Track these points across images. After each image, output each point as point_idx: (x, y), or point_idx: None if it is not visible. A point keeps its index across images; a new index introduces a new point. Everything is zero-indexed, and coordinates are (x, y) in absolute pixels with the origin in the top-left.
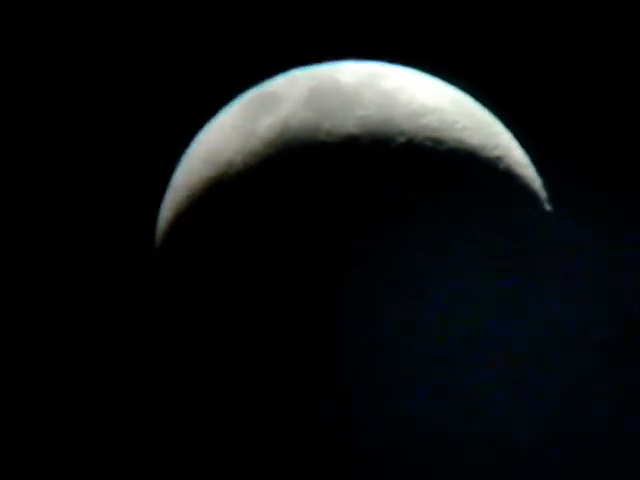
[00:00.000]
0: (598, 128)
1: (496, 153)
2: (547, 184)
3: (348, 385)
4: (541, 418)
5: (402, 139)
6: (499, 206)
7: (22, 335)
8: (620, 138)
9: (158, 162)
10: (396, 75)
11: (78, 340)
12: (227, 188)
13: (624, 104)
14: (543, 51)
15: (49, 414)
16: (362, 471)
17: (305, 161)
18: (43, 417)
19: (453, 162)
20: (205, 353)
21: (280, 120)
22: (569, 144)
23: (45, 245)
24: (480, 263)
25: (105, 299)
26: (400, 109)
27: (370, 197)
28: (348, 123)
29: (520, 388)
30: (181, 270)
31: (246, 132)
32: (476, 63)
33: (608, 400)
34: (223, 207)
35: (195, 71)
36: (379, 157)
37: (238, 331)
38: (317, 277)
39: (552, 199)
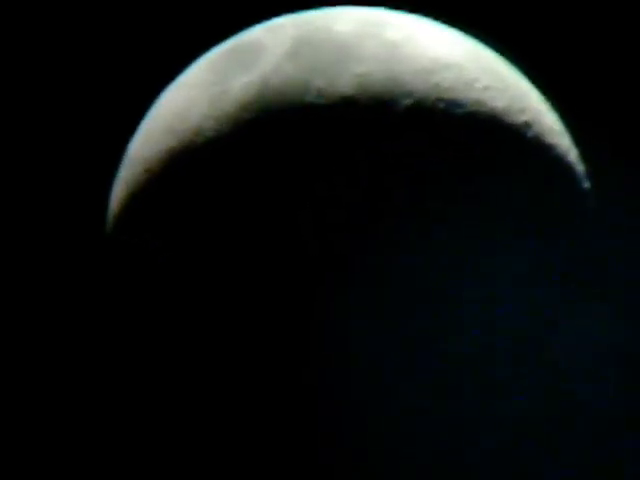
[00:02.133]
0: None
1: (524, 118)
2: (584, 156)
3: (365, 401)
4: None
5: (409, 101)
6: (527, 183)
7: None
8: None
9: (109, 130)
10: (402, 23)
11: (31, 333)
12: (194, 161)
13: None
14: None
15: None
16: None
17: (289, 127)
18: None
19: (471, 129)
20: (157, 346)
21: (259, 78)
22: (611, 107)
23: None
24: (504, 260)
25: (52, 288)
26: (407, 64)
27: (370, 173)
28: (343, 81)
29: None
30: (136, 261)
31: (217, 93)
32: (499, 9)
33: None
34: (189, 184)
35: (156, 15)
36: (380, 123)
37: (198, 328)
38: (305, 277)
39: (591, 174)
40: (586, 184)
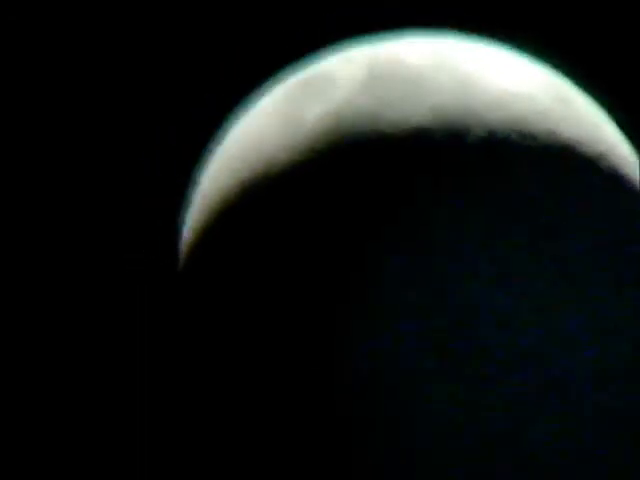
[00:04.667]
0: None
1: (599, 149)
2: None
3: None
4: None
5: (482, 132)
6: (601, 214)
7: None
8: None
9: (180, 161)
10: (474, 54)
11: (93, 364)
12: (268, 192)
13: None
14: None
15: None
16: None
17: (363, 158)
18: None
19: (545, 160)
20: (235, 382)
21: (333, 109)
22: None
23: (49, 257)
24: (576, 292)
25: (120, 325)
26: (480, 96)
27: (444, 203)
28: (416, 113)
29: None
30: (209, 296)
31: (291, 123)
32: (575, 38)
33: None
34: (263, 216)
35: (229, 45)
36: (454, 154)
37: (277, 364)
38: (375, 304)
39: None
40: None
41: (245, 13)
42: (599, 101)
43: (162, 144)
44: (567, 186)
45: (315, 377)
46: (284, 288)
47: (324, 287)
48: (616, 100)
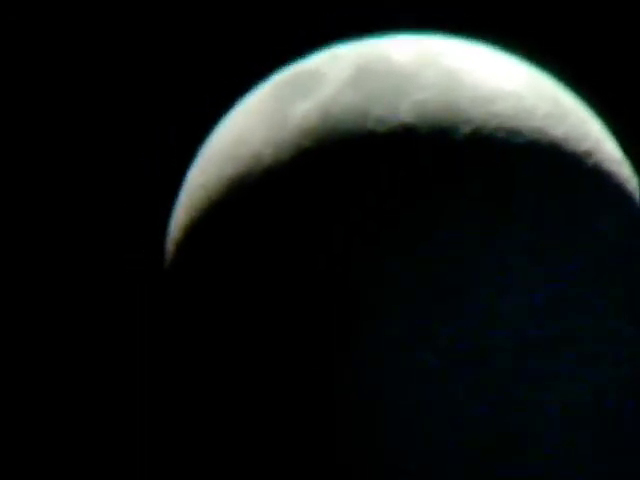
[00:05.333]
0: None
1: (584, 146)
2: None
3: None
4: None
5: (468, 129)
6: (586, 212)
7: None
8: None
9: (168, 158)
10: (460, 51)
11: (82, 359)
12: (253, 188)
13: None
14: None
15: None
16: None
17: (349, 155)
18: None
19: (531, 157)
20: (220, 380)
21: (319, 105)
22: None
23: (41, 253)
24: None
25: (107, 320)
26: (465, 93)
27: (429, 200)
28: (402, 109)
29: None
30: (196, 290)
31: (277, 120)
32: (559, 35)
33: None
34: (248, 212)
35: (215, 43)
36: (439, 150)
37: (264, 361)
38: (364, 304)
39: None
40: None
41: (244, 12)
42: (585, 99)
43: (158, 143)
44: (554, 183)
45: (303, 373)
46: (270, 284)
47: (310, 283)
48: (602, 98)
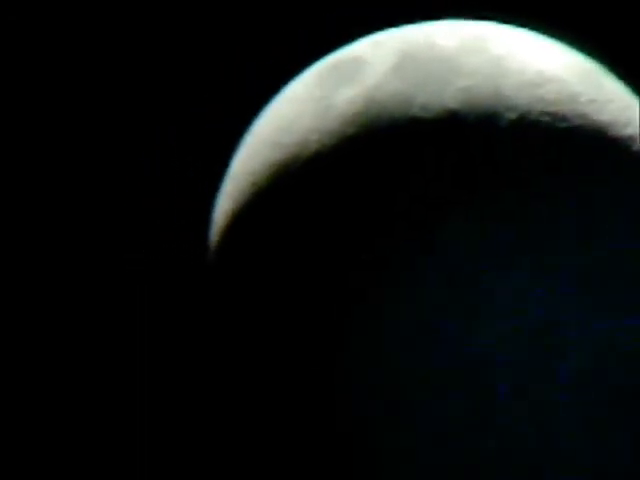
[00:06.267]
0: None
1: (629, 131)
2: None
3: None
4: None
5: (513, 115)
6: (631, 196)
7: (64, 339)
8: None
9: (213, 145)
10: (505, 37)
11: (125, 348)
12: (299, 175)
13: None
14: None
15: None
16: None
17: (394, 141)
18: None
19: (576, 142)
20: (263, 371)
21: (363, 92)
22: None
23: (79, 248)
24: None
25: (149, 310)
26: (510, 79)
27: (474, 187)
28: (447, 95)
29: None
30: (241, 278)
31: (323, 107)
32: (606, 21)
33: None
34: (294, 199)
35: (259, 31)
36: (485, 137)
37: (308, 351)
38: (411, 294)
39: None
40: None
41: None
42: (629, 84)
43: (203, 132)
44: (597, 168)
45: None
46: (314, 272)
47: (356, 269)
48: None
